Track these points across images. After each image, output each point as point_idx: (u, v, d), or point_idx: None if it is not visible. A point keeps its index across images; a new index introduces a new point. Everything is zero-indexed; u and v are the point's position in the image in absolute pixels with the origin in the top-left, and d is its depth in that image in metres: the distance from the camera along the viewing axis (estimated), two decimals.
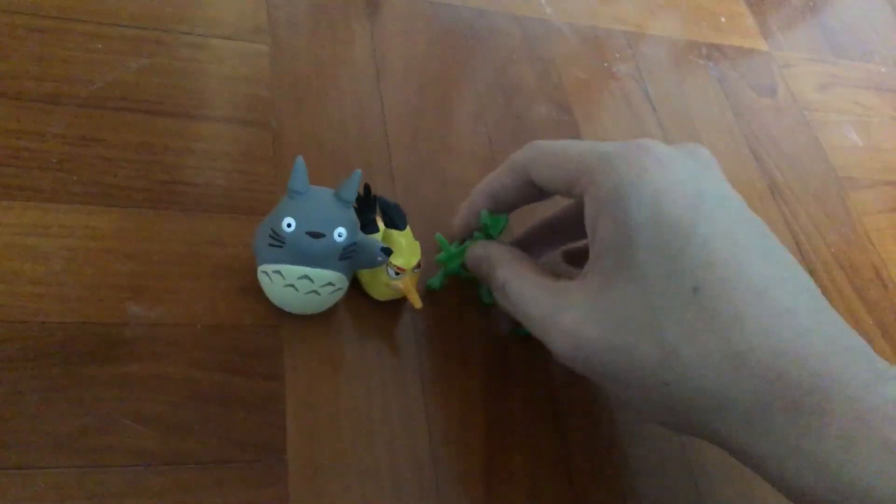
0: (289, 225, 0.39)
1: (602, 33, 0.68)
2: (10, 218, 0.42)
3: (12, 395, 0.37)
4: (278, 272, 0.40)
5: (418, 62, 0.59)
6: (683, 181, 0.35)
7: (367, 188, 0.43)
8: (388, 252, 0.41)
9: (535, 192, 0.42)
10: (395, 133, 0.54)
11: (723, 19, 0.76)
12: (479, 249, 0.44)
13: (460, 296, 0.48)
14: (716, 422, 0.33)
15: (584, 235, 0.39)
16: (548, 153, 0.40)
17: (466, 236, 0.46)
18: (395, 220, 0.43)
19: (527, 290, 0.40)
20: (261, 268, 0.41)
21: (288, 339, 0.43)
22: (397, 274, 0.43)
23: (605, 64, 0.66)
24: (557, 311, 0.37)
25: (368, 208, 0.43)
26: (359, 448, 0.40)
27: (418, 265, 0.44)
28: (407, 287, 0.43)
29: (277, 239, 0.39)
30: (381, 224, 0.45)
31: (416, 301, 0.43)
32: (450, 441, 0.42)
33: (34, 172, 0.44)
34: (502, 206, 0.44)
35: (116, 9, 0.52)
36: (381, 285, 0.44)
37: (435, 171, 0.53)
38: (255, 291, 0.43)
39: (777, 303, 0.32)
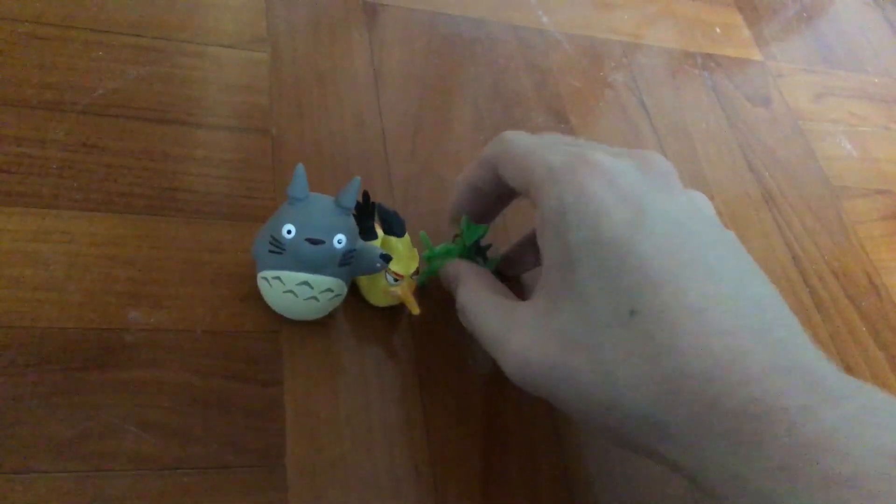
0: (289, 231, 0.39)
1: (598, 43, 0.69)
2: (11, 224, 0.42)
3: (13, 401, 0.37)
4: (278, 278, 0.40)
5: (417, 71, 0.60)
6: (626, 197, 0.33)
7: (365, 195, 0.44)
8: (387, 259, 0.41)
9: (507, 188, 0.42)
10: (394, 141, 0.54)
11: (718, 30, 0.77)
12: (449, 268, 0.45)
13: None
14: (659, 446, 0.32)
15: None
16: (510, 153, 0.39)
17: (456, 229, 0.46)
18: (394, 227, 0.43)
19: (481, 310, 0.40)
20: (260, 274, 0.41)
21: (287, 346, 0.43)
22: (396, 280, 0.43)
23: (601, 73, 0.66)
24: (506, 331, 0.37)
25: (367, 215, 0.44)
26: (358, 454, 0.41)
27: (416, 272, 0.44)
28: (405, 293, 0.44)
29: (277, 245, 0.40)
30: (379, 231, 0.45)
31: (414, 307, 0.44)
32: (448, 447, 0.42)
33: (35, 179, 0.44)
34: (484, 199, 0.44)
35: (117, 17, 0.53)
36: (380, 291, 0.44)
37: (433, 179, 0.54)
38: (255, 298, 0.43)
39: (715, 323, 0.30)
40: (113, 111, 0.48)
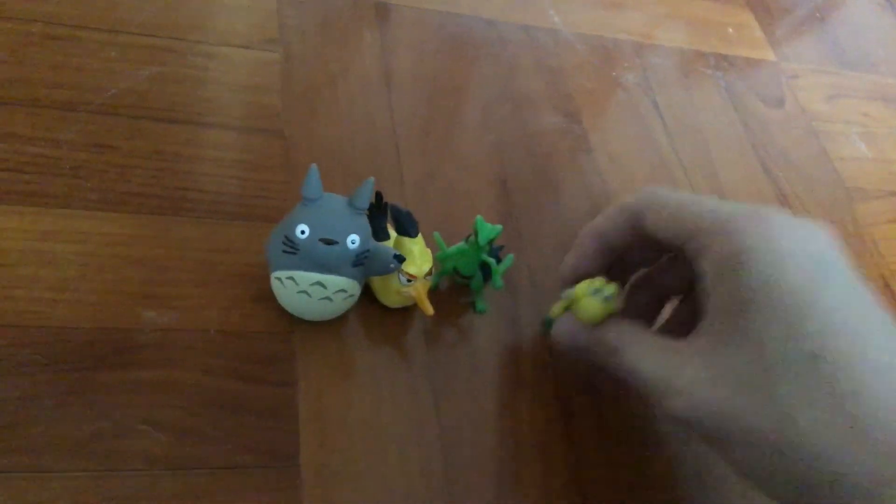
0: (302, 232, 0.39)
1: (610, 43, 0.68)
2: (24, 224, 0.42)
3: (28, 400, 0.37)
4: (291, 278, 0.40)
5: (427, 71, 0.59)
6: (807, 251, 0.34)
7: (378, 195, 0.44)
8: (400, 259, 0.41)
9: (643, 240, 0.41)
10: (405, 141, 0.54)
11: (730, 30, 0.76)
12: (608, 333, 0.42)
13: (470, 302, 0.48)
14: (831, 495, 0.32)
15: (680, 291, 0.41)
16: (663, 203, 0.39)
17: (574, 281, 0.43)
18: (407, 228, 0.43)
19: (643, 349, 0.39)
20: (274, 274, 0.41)
21: (300, 346, 0.43)
22: (409, 281, 0.43)
23: (613, 73, 0.66)
24: (674, 369, 0.36)
25: (380, 216, 0.43)
26: (371, 456, 0.41)
27: (430, 272, 0.44)
28: (418, 294, 0.43)
29: (291, 245, 0.40)
30: (392, 231, 0.45)
31: (428, 308, 0.44)
32: (461, 449, 0.42)
33: (48, 179, 0.44)
34: (610, 251, 0.43)
35: (130, 18, 0.53)
36: (393, 292, 0.44)
37: (444, 179, 0.53)
38: (268, 298, 0.43)
39: None
40: (125, 111, 0.48)
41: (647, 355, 0.38)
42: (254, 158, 0.49)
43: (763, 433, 0.33)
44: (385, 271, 0.42)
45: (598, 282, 0.41)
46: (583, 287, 0.41)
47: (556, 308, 0.43)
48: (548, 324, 0.46)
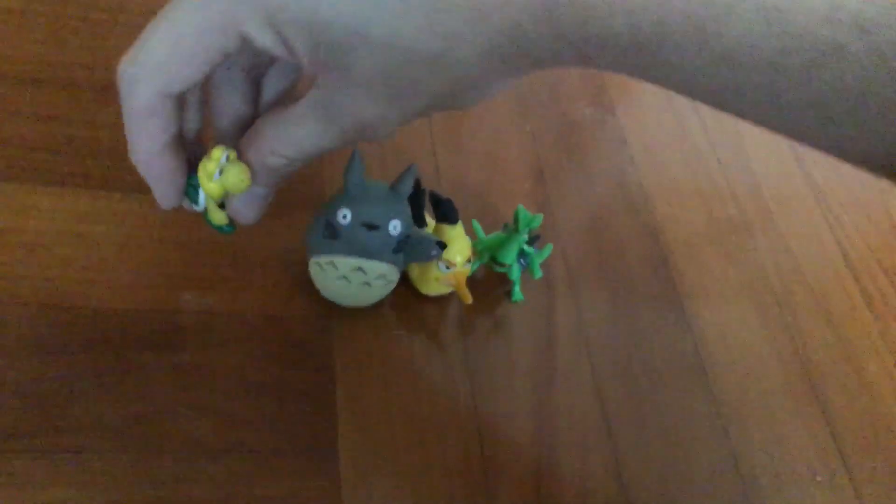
0: (344, 217, 0.39)
1: None
2: (62, 204, 0.41)
3: (67, 381, 0.37)
4: (332, 263, 0.40)
5: None
6: None
7: (417, 182, 0.43)
8: (442, 246, 0.41)
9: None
10: (440, 129, 0.54)
11: None
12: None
13: (506, 292, 0.48)
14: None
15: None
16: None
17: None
18: (448, 215, 0.43)
19: (298, 135, 0.34)
20: (313, 259, 0.41)
21: (338, 332, 0.42)
22: (448, 268, 0.43)
23: None
24: (337, 120, 0.33)
25: (418, 202, 0.43)
26: (410, 444, 0.40)
27: (469, 260, 0.43)
28: (458, 282, 0.43)
29: (332, 230, 0.39)
30: (430, 219, 0.45)
31: (467, 297, 0.43)
32: (499, 440, 0.42)
33: (85, 160, 0.44)
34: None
35: (166, 1, 0.52)
36: (432, 280, 0.44)
37: (479, 169, 0.53)
38: (306, 283, 0.43)
39: None
40: None
41: (302, 130, 0.34)
42: None
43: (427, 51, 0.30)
44: (426, 258, 0.41)
45: (212, 164, 0.35)
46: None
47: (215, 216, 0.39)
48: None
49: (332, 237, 0.39)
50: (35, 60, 0.46)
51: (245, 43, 0.31)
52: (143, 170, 0.36)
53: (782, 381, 0.50)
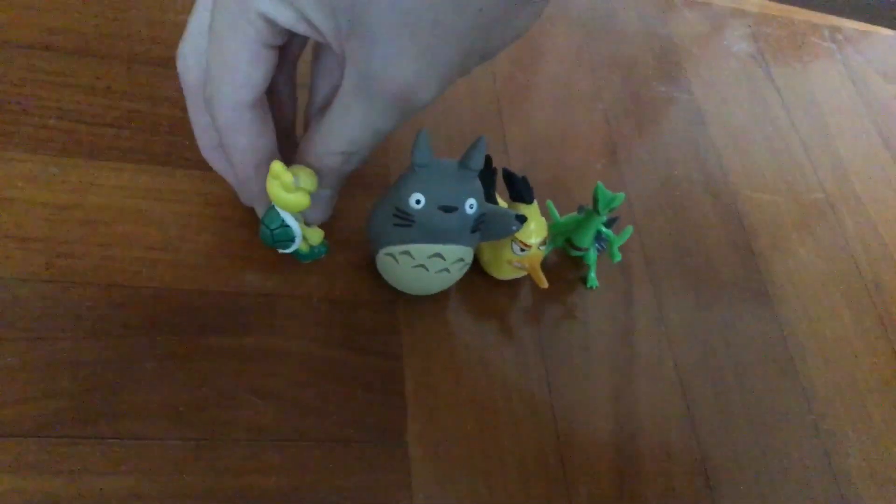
0: (417, 201, 0.36)
1: (720, 11, 0.64)
2: (123, 181, 0.40)
3: (127, 364, 0.35)
4: (407, 253, 0.37)
5: (529, 36, 0.56)
6: None
7: (488, 159, 0.41)
8: (522, 220, 0.38)
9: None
10: (509, 107, 0.51)
11: None
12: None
13: (580, 277, 0.45)
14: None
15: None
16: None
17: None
18: (524, 194, 0.40)
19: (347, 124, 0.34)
20: (384, 251, 0.38)
21: (405, 318, 0.40)
22: (522, 250, 0.40)
23: (725, 42, 0.62)
24: (379, 93, 0.32)
25: (489, 180, 0.41)
26: (483, 436, 0.38)
27: (544, 242, 0.41)
28: (532, 265, 0.41)
29: (405, 217, 0.36)
30: (500, 200, 0.42)
31: (542, 280, 0.40)
32: (577, 433, 0.39)
33: (146, 136, 0.42)
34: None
35: None
36: (504, 263, 0.41)
37: (550, 148, 0.50)
38: (370, 267, 0.41)
39: None
40: None
41: (347, 119, 0.34)
42: None
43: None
44: (506, 233, 0.39)
45: (285, 174, 0.34)
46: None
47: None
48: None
49: (406, 224, 0.37)
50: (94, 33, 0.45)
51: (271, 25, 0.31)
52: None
53: (877, 377, 0.47)
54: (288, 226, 0.36)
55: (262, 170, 0.35)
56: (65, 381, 0.34)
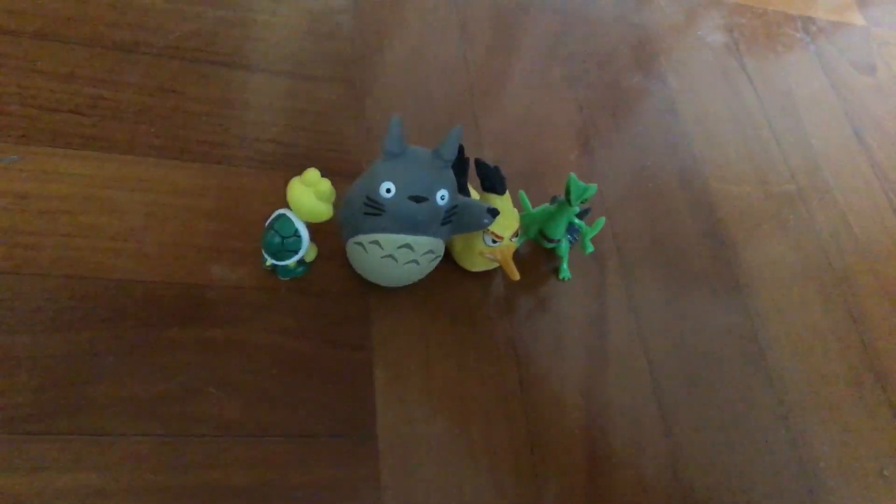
0: (388, 190, 0.35)
1: (695, 1, 0.64)
2: (87, 169, 0.39)
3: (89, 357, 0.34)
4: (376, 242, 0.36)
5: (504, 25, 0.56)
6: None
7: (460, 149, 0.40)
8: (494, 213, 0.37)
9: None
10: (482, 96, 0.51)
11: None
12: None
13: (553, 269, 0.45)
14: None
15: None
16: None
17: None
18: (495, 184, 0.40)
19: None
20: (353, 239, 0.38)
21: (376, 310, 0.40)
22: (494, 242, 0.40)
23: (700, 33, 0.62)
24: None
25: (461, 170, 0.40)
26: (453, 429, 0.37)
27: (516, 233, 0.40)
28: (504, 257, 0.40)
29: (375, 206, 0.36)
30: (472, 190, 0.42)
31: (513, 272, 0.40)
32: (548, 426, 0.39)
33: (110, 123, 0.41)
34: None
35: None
36: (476, 255, 0.41)
37: (525, 137, 0.50)
38: (341, 257, 0.40)
39: None
40: (190, 55, 0.45)
41: None
42: (325, 109, 0.46)
43: None
44: (477, 227, 0.38)
45: (323, 182, 0.35)
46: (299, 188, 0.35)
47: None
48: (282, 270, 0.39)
49: (376, 213, 0.36)
50: (55, 15, 0.43)
51: None
52: None
53: (845, 368, 0.47)
54: (300, 236, 0.36)
55: None
56: (23, 376, 0.33)
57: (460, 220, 0.38)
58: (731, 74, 0.60)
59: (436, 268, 0.41)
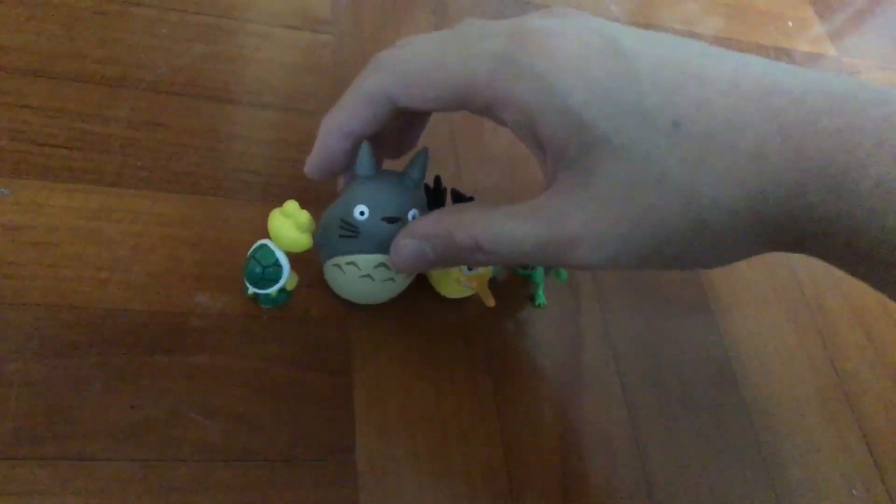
0: (362, 213, 0.37)
1: (676, 34, 0.66)
2: (74, 201, 0.40)
3: (75, 383, 0.35)
4: (353, 263, 0.38)
5: None
6: (591, 44, 0.31)
7: (437, 179, 0.42)
8: None
9: (402, 115, 0.37)
10: (461, 127, 0.52)
11: (790, 24, 0.74)
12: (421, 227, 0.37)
13: (529, 296, 0.46)
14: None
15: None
16: (414, 74, 0.34)
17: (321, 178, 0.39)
18: None
19: (503, 224, 0.34)
20: (331, 262, 0.39)
21: (356, 335, 0.41)
22: (470, 269, 0.41)
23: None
24: (556, 225, 0.32)
25: (439, 201, 0.42)
26: (431, 451, 0.38)
27: None
28: (479, 284, 0.41)
29: (350, 228, 0.38)
30: None
31: (489, 299, 0.41)
32: (524, 448, 0.40)
33: (98, 156, 0.42)
34: (357, 142, 0.37)
35: None
36: (452, 282, 0.42)
37: (503, 167, 0.51)
38: (322, 284, 0.41)
39: (765, 86, 0.29)
40: (177, 89, 0.46)
41: (513, 224, 0.33)
42: (307, 140, 0.47)
43: (684, 233, 0.30)
44: None
45: (302, 214, 0.37)
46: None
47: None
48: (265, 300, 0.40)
49: (351, 235, 0.38)
50: (46, 53, 0.45)
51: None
52: (322, 132, 0.37)
53: (816, 390, 0.48)
54: (280, 265, 0.37)
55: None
56: (12, 402, 0.34)
57: None
58: None
59: (414, 295, 0.42)
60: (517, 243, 0.33)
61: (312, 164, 0.38)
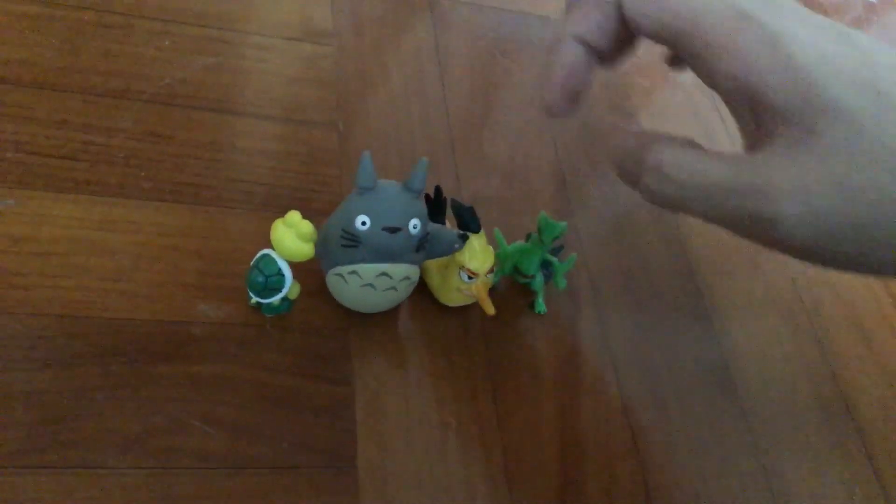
0: (363, 223, 0.38)
1: None
2: (78, 212, 0.41)
3: (79, 393, 0.36)
4: (355, 273, 0.38)
5: (482, 67, 0.58)
6: (823, 26, 0.30)
7: (437, 190, 0.42)
8: (464, 238, 0.40)
9: (629, 35, 0.34)
10: (461, 137, 0.53)
11: None
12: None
13: (529, 303, 0.46)
14: None
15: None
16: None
17: (568, 108, 0.35)
18: (470, 223, 0.41)
19: (699, 162, 0.31)
20: (333, 271, 0.40)
21: (356, 344, 0.41)
22: (470, 278, 0.42)
23: (672, 73, 0.64)
24: (760, 172, 0.30)
25: (440, 210, 0.42)
26: (431, 459, 0.39)
27: (491, 270, 0.42)
28: (479, 292, 0.42)
29: (351, 238, 0.38)
30: (450, 227, 0.44)
31: (489, 307, 0.42)
32: (523, 455, 0.40)
33: (102, 167, 0.43)
34: (597, 53, 0.34)
35: (183, 7, 0.52)
36: (453, 290, 0.43)
37: (501, 177, 0.52)
38: (323, 293, 0.42)
39: None
40: (179, 101, 0.47)
41: (708, 162, 0.31)
42: (309, 151, 0.48)
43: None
44: (449, 251, 0.40)
45: (304, 223, 0.37)
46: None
47: None
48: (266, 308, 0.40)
49: (353, 245, 0.38)
50: (50, 66, 0.45)
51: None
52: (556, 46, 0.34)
53: (814, 397, 0.48)
54: (283, 275, 0.38)
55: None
56: (18, 412, 0.34)
57: (433, 247, 0.40)
58: (703, 113, 0.62)
59: (414, 303, 0.43)
60: (703, 175, 0.31)
61: (553, 87, 0.35)
